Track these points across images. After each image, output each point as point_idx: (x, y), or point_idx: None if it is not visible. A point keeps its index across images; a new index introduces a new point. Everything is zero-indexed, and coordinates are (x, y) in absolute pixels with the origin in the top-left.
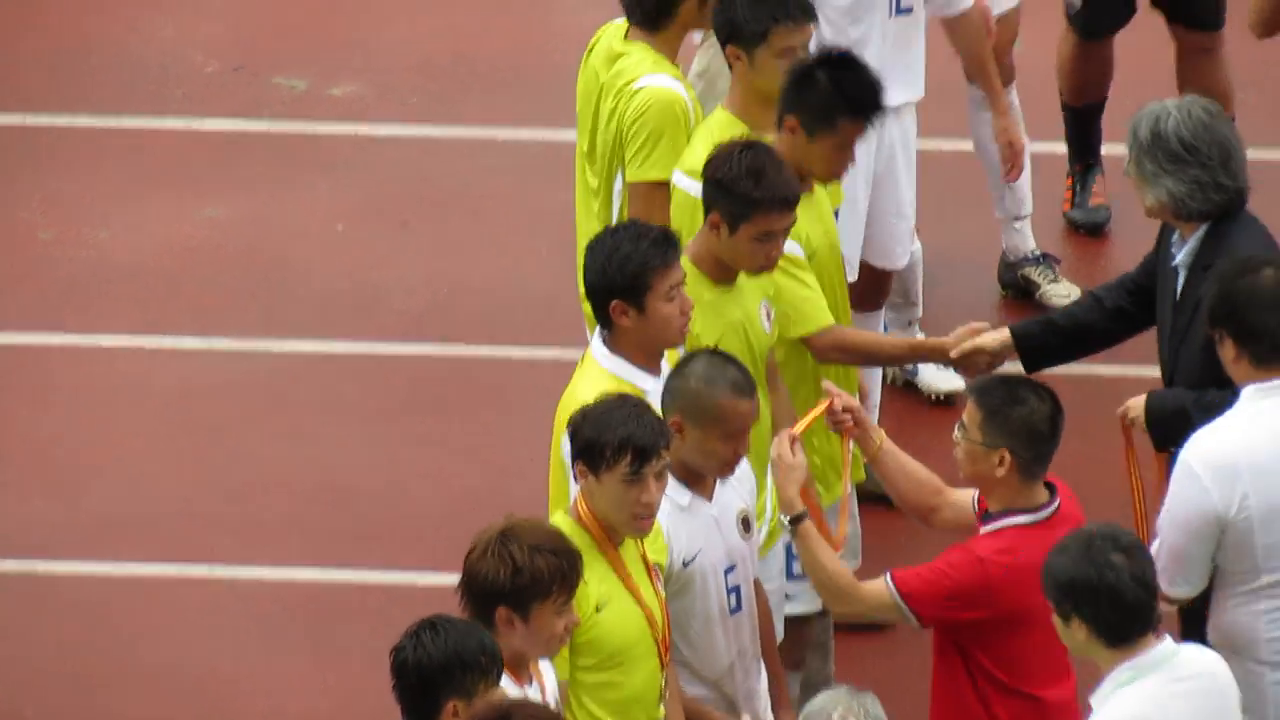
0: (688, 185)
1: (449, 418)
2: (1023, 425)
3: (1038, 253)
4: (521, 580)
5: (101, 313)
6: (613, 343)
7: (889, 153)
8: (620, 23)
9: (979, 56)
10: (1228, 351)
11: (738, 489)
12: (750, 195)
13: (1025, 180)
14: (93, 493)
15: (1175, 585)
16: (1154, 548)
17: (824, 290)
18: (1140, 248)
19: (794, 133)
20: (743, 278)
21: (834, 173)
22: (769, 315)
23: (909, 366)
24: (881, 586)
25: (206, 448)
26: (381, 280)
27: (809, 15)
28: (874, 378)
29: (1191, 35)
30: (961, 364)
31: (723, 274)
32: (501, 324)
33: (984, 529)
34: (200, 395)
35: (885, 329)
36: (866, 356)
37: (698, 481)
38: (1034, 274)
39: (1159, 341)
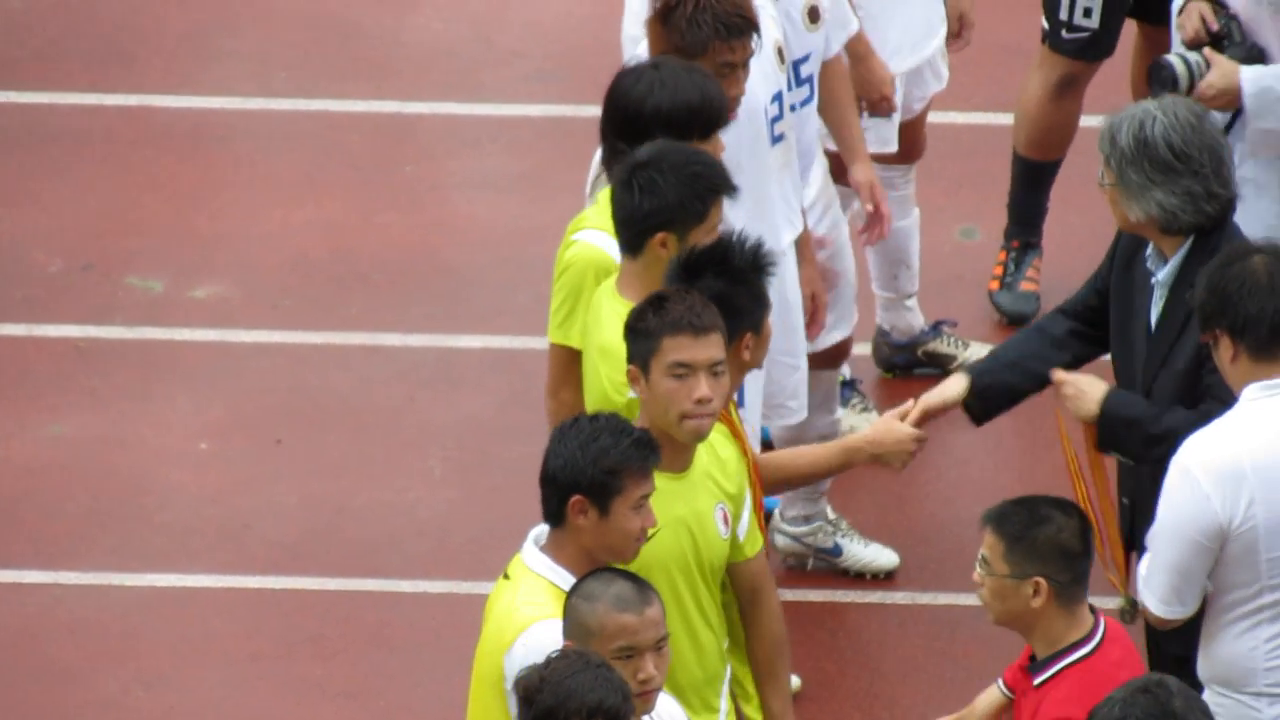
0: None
1: (328, 660)
2: (1053, 546)
3: (929, 325)
4: None
5: None
6: (556, 546)
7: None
8: None
9: (844, 102)
10: (1224, 352)
11: None
12: (648, 326)
13: (916, 253)
14: None
15: (1170, 606)
16: (1143, 565)
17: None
18: None
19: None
20: (698, 471)
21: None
22: (727, 521)
23: (831, 544)
24: None
25: (51, 696)
26: (251, 505)
27: (730, 188)
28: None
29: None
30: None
31: (671, 455)
32: (387, 555)
33: (1038, 681)
34: (44, 637)
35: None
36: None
37: None
38: (941, 347)
39: (1120, 368)
